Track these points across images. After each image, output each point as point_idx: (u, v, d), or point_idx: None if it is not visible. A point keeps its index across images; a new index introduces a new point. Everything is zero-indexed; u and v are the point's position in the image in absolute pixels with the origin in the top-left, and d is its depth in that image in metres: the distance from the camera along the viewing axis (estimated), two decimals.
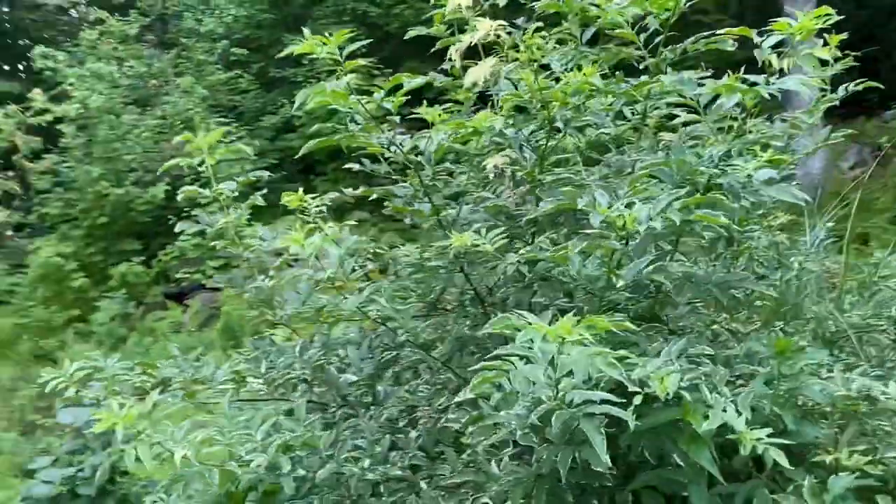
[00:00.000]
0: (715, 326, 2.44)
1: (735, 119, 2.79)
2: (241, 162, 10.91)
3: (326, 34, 2.14)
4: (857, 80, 2.88)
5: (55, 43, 15.27)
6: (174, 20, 14.82)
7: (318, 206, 2.89)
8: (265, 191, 3.10)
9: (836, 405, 2.06)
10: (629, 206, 1.67)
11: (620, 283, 1.80)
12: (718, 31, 1.91)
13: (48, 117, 10.68)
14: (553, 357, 1.41)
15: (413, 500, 2.32)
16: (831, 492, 1.72)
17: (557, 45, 2.68)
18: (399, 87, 2.21)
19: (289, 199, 2.82)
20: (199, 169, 2.71)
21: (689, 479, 1.80)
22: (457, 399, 1.94)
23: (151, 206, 11.27)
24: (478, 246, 2.01)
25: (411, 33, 3.10)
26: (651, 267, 1.82)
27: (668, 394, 1.58)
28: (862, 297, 2.48)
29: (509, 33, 2.79)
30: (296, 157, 2.62)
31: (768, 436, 1.76)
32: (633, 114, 2.31)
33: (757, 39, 1.82)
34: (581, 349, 1.41)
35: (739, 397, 1.85)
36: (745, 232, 2.70)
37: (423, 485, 2.43)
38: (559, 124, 2.16)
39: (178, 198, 2.63)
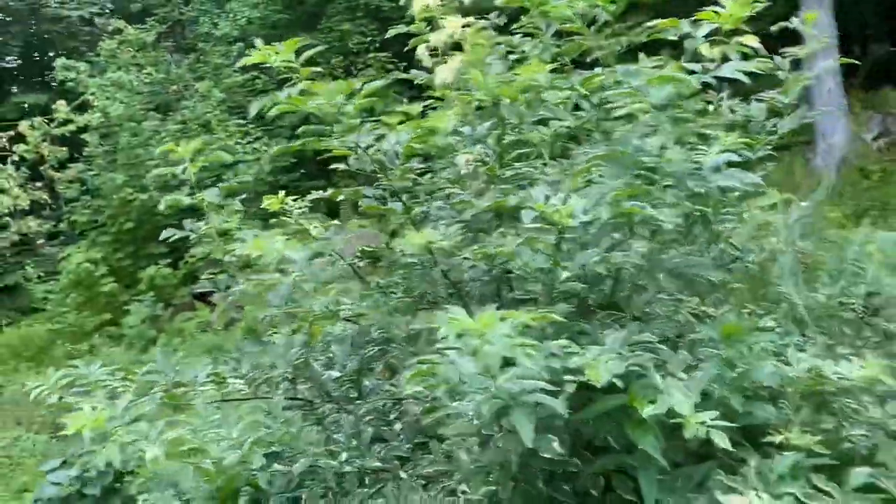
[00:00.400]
0: (685, 311, 2.47)
1: (710, 102, 2.82)
2: (258, 162, 11.10)
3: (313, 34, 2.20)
4: (837, 58, 2.88)
5: (79, 53, 15.60)
6: (191, 25, 15.04)
7: (300, 209, 2.98)
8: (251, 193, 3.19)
9: (796, 386, 2.08)
10: (566, 200, 1.71)
11: (565, 275, 1.84)
12: (652, 22, 1.93)
13: (71, 127, 10.94)
14: (475, 349, 1.46)
15: (391, 489, 2.39)
16: (775, 471, 1.75)
17: (529, 38, 2.72)
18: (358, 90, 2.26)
19: (269, 202, 2.92)
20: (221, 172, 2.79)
21: (640, 464, 1.84)
22: (405, 392, 2.00)
23: (176, 210, 11.48)
24: (434, 243, 2.06)
25: (391, 32, 3.16)
26: (597, 258, 1.86)
27: (605, 381, 1.62)
28: (832, 277, 2.48)
29: (479, 29, 2.84)
30: (276, 158, 2.70)
31: (717, 419, 1.79)
32: (591, 105, 2.34)
33: (687, 29, 1.84)
34: (505, 341, 1.46)
35: (690, 382, 1.88)
36: (721, 215, 2.73)
37: (402, 475, 2.51)
38: (514, 120, 2.20)
39: (161, 206, 2.73)
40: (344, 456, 2.39)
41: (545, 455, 1.80)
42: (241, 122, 11.50)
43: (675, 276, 2.11)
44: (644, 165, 1.92)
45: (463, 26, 2.81)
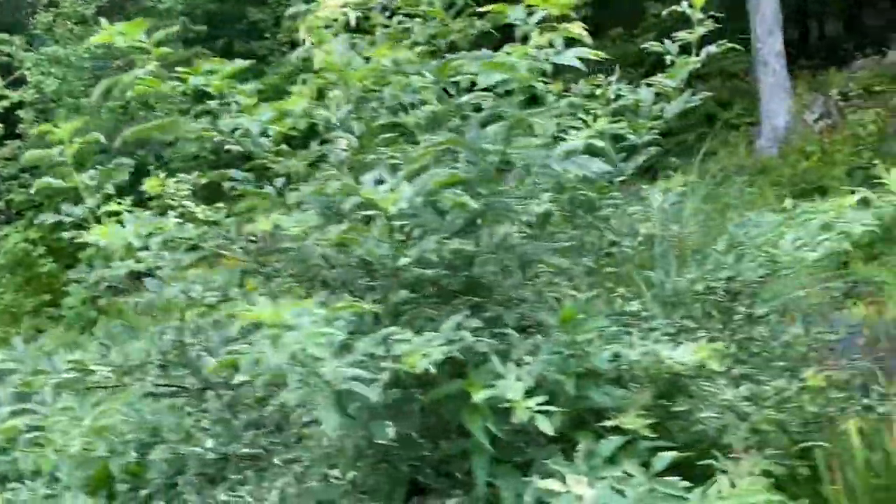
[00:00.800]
0: (550, 296, 2.48)
1: (598, 86, 2.83)
2: (199, 139, 10.89)
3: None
4: (719, 42, 2.93)
5: (22, 26, 15.10)
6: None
7: (182, 192, 2.94)
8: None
9: (646, 370, 2.12)
10: (393, 188, 1.71)
11: (404, 261, 1.84)
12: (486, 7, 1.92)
13: (5, 103, 10.64)
14: (273, 338, 1.46)
15: (256, 474, 2.39)
16: (600, 454, 1.78)
17: (415, 19, 2.70)
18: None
19: (150, 184, 2.87)
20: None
21: (473, 448, 1.86)
22: (235, 382, 1.99)
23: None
24: (285, 229, 2.04)
25: (290, 10, 3.11)
26: (434, 245, 1.86)
27: (422, 368, 1.63)
28: (698, 262, 2.52)
29: (370, 9, 2.81)
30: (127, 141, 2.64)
31: (554, 403, 1.81)
32: (457, 91, 2.33)
33: (518, 16, 1.84)
34: (305, 330, 1.46)
35: (529, 367, 1.90)
36: (603, 199, 2.76)
37: (276, 460, 2.51)
38: (374, 104, 2.19)
39: (32, 190, 2.66)
40: (209, 443, 2.37)
41: (380, 441, 1.80)
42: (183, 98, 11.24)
43: (526, 261, 2.12)
44: (486, 154, 1.92)
45: (343, 6, 2.78)
